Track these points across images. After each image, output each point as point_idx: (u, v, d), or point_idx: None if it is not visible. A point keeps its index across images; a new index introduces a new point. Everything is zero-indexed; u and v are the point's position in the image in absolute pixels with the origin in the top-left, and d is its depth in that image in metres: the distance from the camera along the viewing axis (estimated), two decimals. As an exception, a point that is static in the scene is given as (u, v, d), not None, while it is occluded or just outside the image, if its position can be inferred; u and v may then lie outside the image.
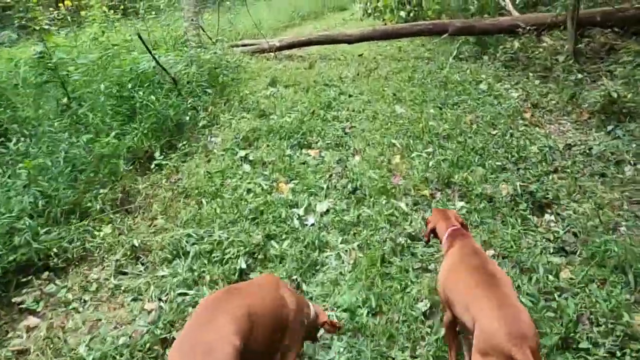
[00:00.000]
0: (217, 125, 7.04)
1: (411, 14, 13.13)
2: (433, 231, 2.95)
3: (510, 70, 8.48)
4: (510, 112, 6.75)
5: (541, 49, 8.30)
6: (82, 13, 9.26)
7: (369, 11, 13.53)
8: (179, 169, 5.86)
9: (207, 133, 6.79)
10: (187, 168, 5.85)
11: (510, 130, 6.19)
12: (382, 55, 11.33)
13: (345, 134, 6.67)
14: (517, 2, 9.77)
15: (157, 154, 5.99)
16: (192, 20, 9.40)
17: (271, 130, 6.67)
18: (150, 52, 6.86)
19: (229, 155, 6.10)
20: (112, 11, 9.51)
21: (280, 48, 11.80)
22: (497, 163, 5.42)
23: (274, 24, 15.52)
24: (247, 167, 5.77)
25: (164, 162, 5.88)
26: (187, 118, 6.90)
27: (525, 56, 8.60)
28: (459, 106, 7.26)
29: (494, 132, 6.24)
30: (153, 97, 6.42)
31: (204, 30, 10.42)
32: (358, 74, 9.52)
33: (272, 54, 11.98)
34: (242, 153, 6.07)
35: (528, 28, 8.53)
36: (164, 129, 6.49)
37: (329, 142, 6.37)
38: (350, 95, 8.16)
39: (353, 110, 7.46)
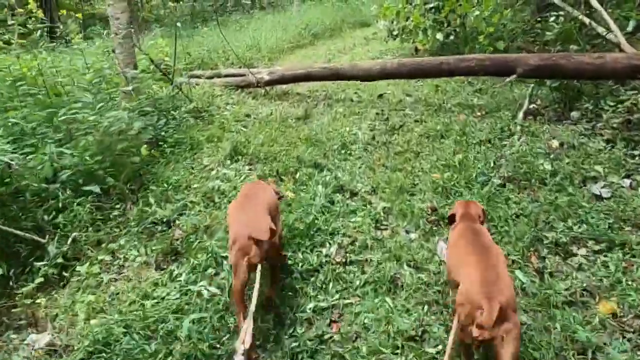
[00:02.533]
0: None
1: (451, 37, 9.42)
2: (453, 216, 2.98)
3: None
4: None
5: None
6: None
7: (395, 32, 9.88)
8: None
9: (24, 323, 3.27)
10: None
11: None
12: (412, 97, 7.67)
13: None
14: (628, 28, 5.97)
15: None
16: (122, 46, 5.92)
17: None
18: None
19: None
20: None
21: (270, 82, 8.26)
22: None
23: (278, 45, 12.01)
24: None
25: None
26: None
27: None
28: (565, 249, 3.54)
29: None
30: None
31: (152, 61, 6.94)
32: (374, 138, 5.86)
33: (263, 89, 8.46)
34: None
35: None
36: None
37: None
38: (353, 194, 4.51)
39: (353, 242, 3.81)
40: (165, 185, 4.57)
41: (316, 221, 3.89)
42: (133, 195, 4.43)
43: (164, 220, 4.08)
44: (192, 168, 5.14)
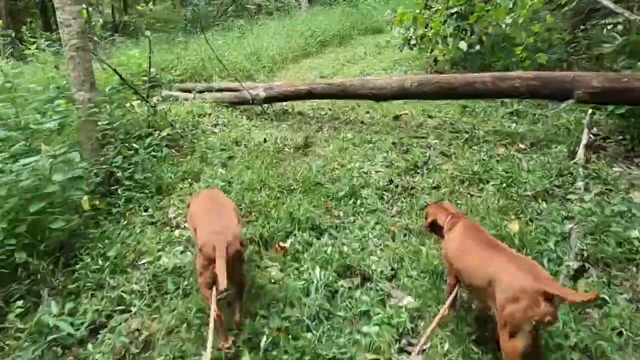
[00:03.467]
0: None
1: (476, 46, 8.02)
2: (433, 223, 2.80)
3: None
4: None
5: None
6: None
7: (413, 41, 8.49)
8: None
9: None
10: None
11: None
12: (434, 120, 6.30)
13: None
14: None
15: None
16: (75, 60, 4.63)
17: None
18: None
19: None
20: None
21: (268, 100, 6.92)
22: None
23: (280, 53, 10.65)
24: None
25: None
26: None
27: None
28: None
29: None
30: None
31: (120, 76, 5.62)
32: (391, 181, 4.46)
33: (259, 107, 7.13)
34: None
35: None
36: None
37: None
38: (365, 278, 3.07)
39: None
40: (101, 261, 3.21)
41: (307, 340, 2.51)
42: (55, 275, 3.09)
43: (75, 335, 2.68)
44: (151, 226, 3.80)
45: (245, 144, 5.77)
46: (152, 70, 8.13)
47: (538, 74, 4.90)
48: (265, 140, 5.81)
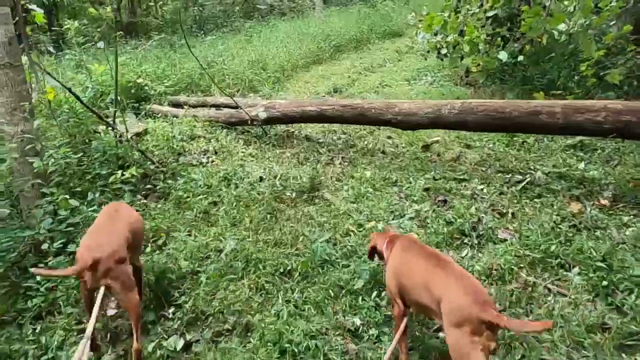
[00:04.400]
0: None
1: (521, 57, 6.64)
2: (374, 249, 2.67)
3: None
4: None
5: None
6: None
7: (444, 51, 7.07)
8: None
9: None
10: None
11: None
12: (475, 152, 4.93)
13: None
14: None
15: None
16: (4, 70, 3.36)
17: None
18: None
19: None
20: None
21: (269, 121, 5.61)
22: None
23: (290, 60, 9.30)
24: None
25: None
26: None
27: None
28: None
29: None
30: None
31: (70, 91, 4.32)
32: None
33: (259, 129, 5.83)
34: None
35: None
36: None
37: None
38: None
39: None
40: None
41: None
42: None
43: None
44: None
45: (236, 183, 4.46)
46: (139, 81, 6.89)
47: (631, 105, 3.49)
48: (261, 179, 4.49)
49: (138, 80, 6.83)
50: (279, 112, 5.50)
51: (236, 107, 6.18)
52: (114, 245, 2.30)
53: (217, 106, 6.62)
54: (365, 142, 5.52)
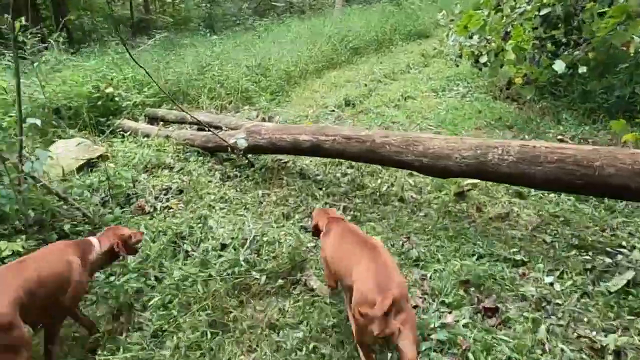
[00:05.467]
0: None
1: (583, 68, 5.03)
2: (316, 227, 2.69)
3: None
4: None
5: None
6: None
7: (484, 58, 5.49)
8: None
9: None
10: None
11: None
12: (531, 204, 3.40)
13: None
14: None
15: None
16: None
17: None
18: None
19: None
20: None
21: (252, 150, 4.21)
22: None
23: (299, 64, 7.84)
24: None
25: None
26: None
27: None
28: None
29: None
30: None
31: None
32: None
33: (242, 158, 4.42)
34: None
35: None
36: None
37: None
38: None
39: None
40: None
41: None
42: None
43: None
44: None
45: (187, 251, 3.06)
46: (108, 90, 5.58)
47: None
48: (223, 247, 3.08)
49: (107, 90, 5.50)
50: (264, 139, 4.08)
51: (216, 127, 4.80)
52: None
53: (198, 124, 5.26)
54: (378, 182, 4.05)
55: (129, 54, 3.42)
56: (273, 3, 14.14)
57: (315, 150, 3.78)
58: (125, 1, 16.53)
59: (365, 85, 7.34)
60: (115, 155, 4.68)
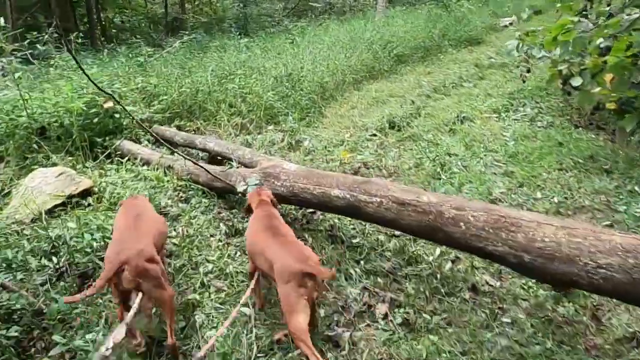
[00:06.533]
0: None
1: None
2: (249, 208, 2.72)
3: None
4: None
5: None
6: None
7: (577, 81, 4.17)
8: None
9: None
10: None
11: None
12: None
13: None
14: None
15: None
16: None
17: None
18: None
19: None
20: None
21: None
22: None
23: (335, 74, 6.68)
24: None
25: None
26: None
27: None
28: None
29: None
30: None
31: None
32: None
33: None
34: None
35: None
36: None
37: None
38: None
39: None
40: None
41: None
42: None
43: None
44: None
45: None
46: (107, 105, 4.61)
47: None
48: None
49: (106, 105, 4.51)
50: (284, 186, 2.97)
51: (227, 158, 3.72)
52: (142, 245, 2.18)
53: (206, 151, 4.21)
54: (437, 252, 2.86)
55: (76, 60, 2.36)
56: (311, 3, 13.00)
57: (352, 212, 2.64)
58: (162, -1, 15.79)
59: (412, 102, 6.10)
60: (103, 190, 3.66)
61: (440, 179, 3.94)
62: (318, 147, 4.65)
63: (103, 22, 14.99)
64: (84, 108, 4.39)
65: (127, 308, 2.08)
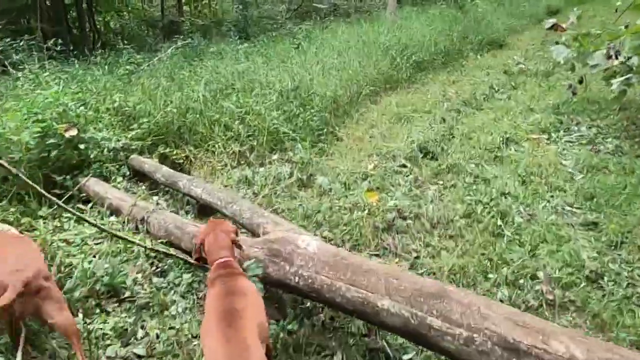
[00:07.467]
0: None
1: None
2: (202, 245, 1.95)
3: None
4: None
5: None
6: None
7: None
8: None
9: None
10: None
11: None
12: None
13: None
14: None
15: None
16: None
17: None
18: None
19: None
20: None
21: (279, 285, 2.04)
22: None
23: (350, 85, 5.64)
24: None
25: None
26: None
27: None
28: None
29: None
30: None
31: None
32: None
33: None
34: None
35: None
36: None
37: None
38: None
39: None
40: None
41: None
42: None
43: None
44: None
45: None
46: (68, 134, 3.58)
47: None
48: None
49: (68, 134, 3.48)
50: (298, 275, 1.93)
51: (218, 211, 2.70)
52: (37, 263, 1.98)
53: (195, 200, 3.18)
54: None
55: None
56: (315, 4, 11.95)
57: (416, 339, 1.59)
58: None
59: (443, 120, 5.05)
60: (53, 255, 2.64)
61: (503, 235, 2.90)
62: (335, 184, 3.61)
63: (97, 26, 13.93)
64: (37, 138, 3.36)
65: None
